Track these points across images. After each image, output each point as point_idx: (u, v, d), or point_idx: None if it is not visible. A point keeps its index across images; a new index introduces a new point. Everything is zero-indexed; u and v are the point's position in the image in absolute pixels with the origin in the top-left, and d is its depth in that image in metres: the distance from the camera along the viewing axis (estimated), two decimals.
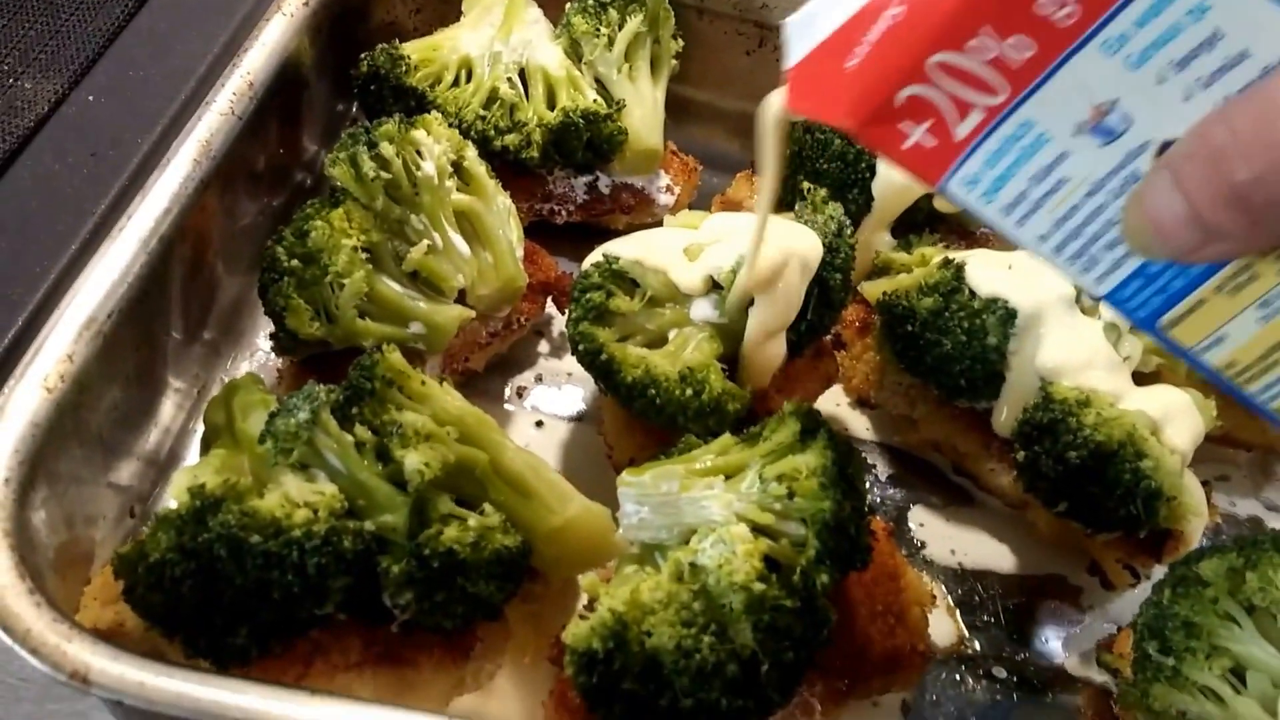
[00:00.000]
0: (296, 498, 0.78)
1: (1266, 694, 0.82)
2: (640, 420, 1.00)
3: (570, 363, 1.17)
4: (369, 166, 1.00)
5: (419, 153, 1.02)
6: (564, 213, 1.26)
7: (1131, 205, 0.62)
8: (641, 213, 1.28)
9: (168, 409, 1.00)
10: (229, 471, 0.80)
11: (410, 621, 0.81)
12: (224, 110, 1.05)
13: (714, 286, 0.99)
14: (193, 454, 1.01)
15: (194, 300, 1.03)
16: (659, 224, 1.12)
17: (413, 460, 0.80)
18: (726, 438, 0.89)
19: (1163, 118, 0.60)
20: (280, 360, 1.09)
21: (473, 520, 0.81)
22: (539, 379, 1.18)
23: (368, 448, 0.81)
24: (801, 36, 0.69)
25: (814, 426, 0.85)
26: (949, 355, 1.04)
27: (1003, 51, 0.61)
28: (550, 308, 1.20)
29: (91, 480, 0.88)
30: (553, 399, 1.16)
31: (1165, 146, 0.60)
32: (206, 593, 0.76)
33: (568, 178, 1.26)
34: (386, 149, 1.00)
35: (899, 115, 0.64)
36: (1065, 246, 0.66)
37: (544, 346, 1.21)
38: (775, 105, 0.79)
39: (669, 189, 1.30)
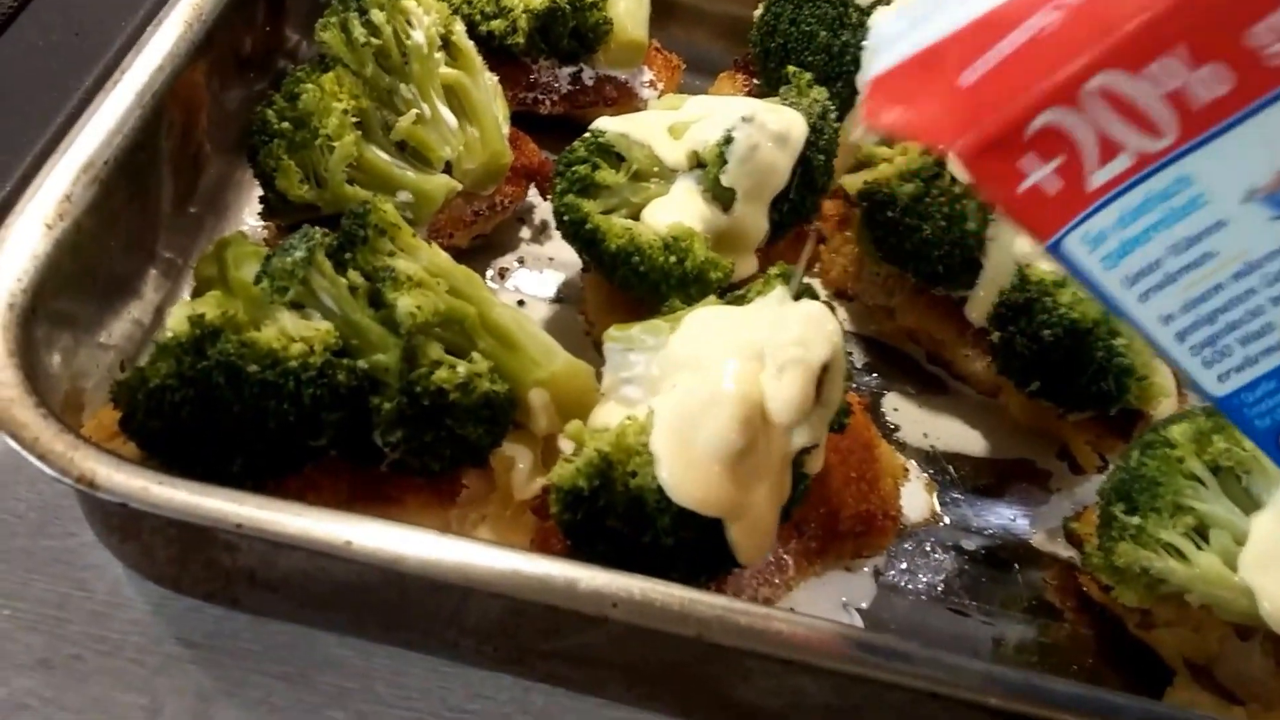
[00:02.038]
0: (293, 332, 0.79)
1: (1228, 549, 0.84)
2: (622, 296, 1.02)
3: (551, 248, 1.20)
4: (359, 32, 1.00)
5: (409, 22, 1.03)
6: (548, 102, 1.27)
7: None
8: (624, 107, 1.29)
9: (154, 277, 1.00)
10: (226, 308, 0.80)
11: (399, 462, 0.83)
12: None
13: (698, 163, 1.01)
14: None
15: (183, 171, 1.03)
16: None
17: (405, 303, 0.81)
18: (710, 299, 0.90)
19: None
20: (265, 232, 1.10)
21: (462, 365, 0.82)
22: (521, 262, 1.19)
23: (360, 292, 0.82)
24: (897, 38, 0.57)
25: (800, 291, 0.86)
26: (928, 241, 1.06)
27: (1188, 84, 0.49)
28: (533, 195, 1.21)
29: (85, 329, 0.89)
30: (534, 281, 1.17)
31: None
32: (204, 420, 0.77)
33: (552, 67, 1.26)
34: (377, 15, 1.01)
35: (1024, 148, 0.52)
36: (1192, 333, 0.54)
37: (526, 232, 1.22)
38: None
39: (652, 84, 1.31)
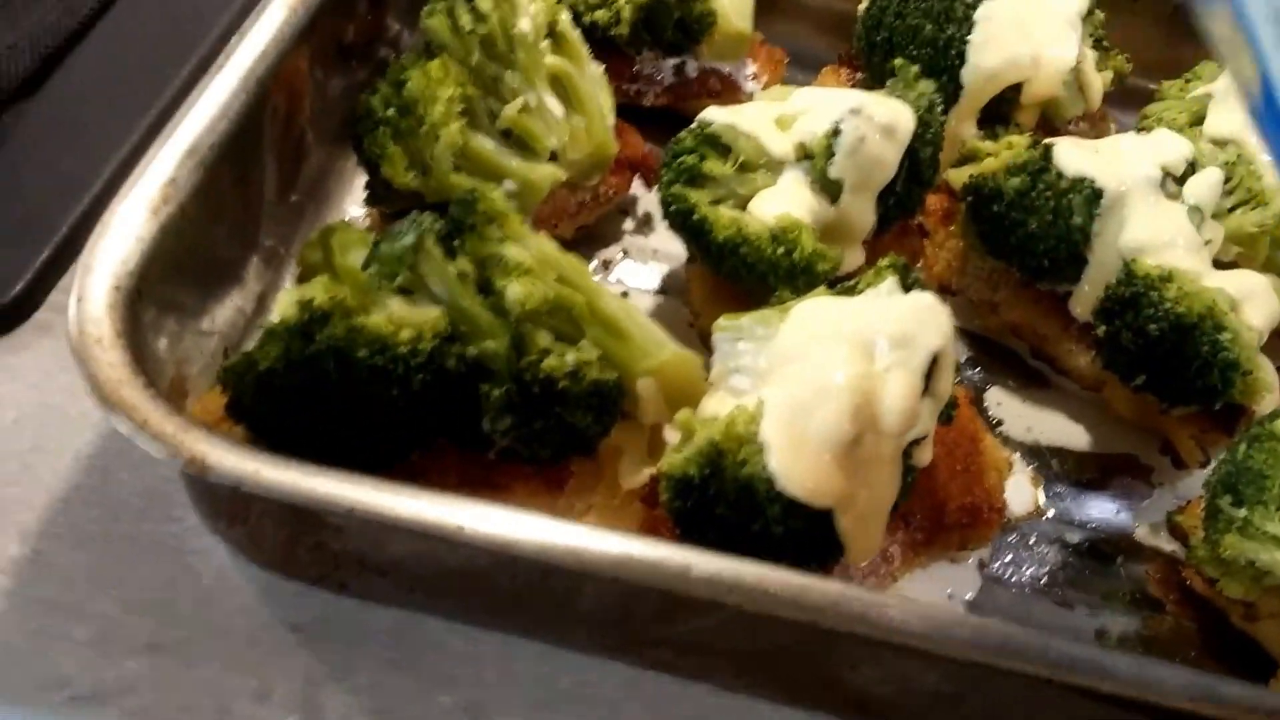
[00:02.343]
0: (402, 318, 0.79)
1: None
2: (728, 287, 1.02)
3: (655, 239, 1.20)
4: (466, 20, 1.01)
5: (515, 10, 1.03)
6: (651, 95, 1.27)
7: None
8: (727, 100, 1.28)
9: (256, 264, 1.01)
10: (335, 293, 0.81)
11: (507, 450, 0.83)
12: None
13: (805, 155, 1.01)
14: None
15: (285, 159, 1.03)
16: None
17: (514, 290, 0.81)
18: (819, 290, 0.90)
19: None
20: (368, 220, 1.11)
21: (571, 353, 0.82)
22: (625, 254, 1.19)
23: (469, 279, 0.83)
24: None
25: (912, 282, 0.86)
26: (1034, 235, 1.05)
27: None
28: (637, 187, 1.21)
29: (188, 315, 0.89)
30: (638, 273, 1.18)
31: None
32: (312, 405, 0.78)
33: (655, 59, 1.26)
34: (483, 3, 1.01)
35: None
36: None
37: (629, 224, 1.22)
38: None
39: (755, 77, 1.31)
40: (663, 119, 1.26)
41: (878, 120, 0.98)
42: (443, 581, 0.81)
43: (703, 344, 0.93)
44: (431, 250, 0.82)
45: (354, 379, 0.77)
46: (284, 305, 0.80)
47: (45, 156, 1.09)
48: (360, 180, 1.10)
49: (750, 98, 1.29)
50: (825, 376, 0.79)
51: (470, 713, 0.83)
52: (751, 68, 1.31)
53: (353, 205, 1.14)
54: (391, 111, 1.00)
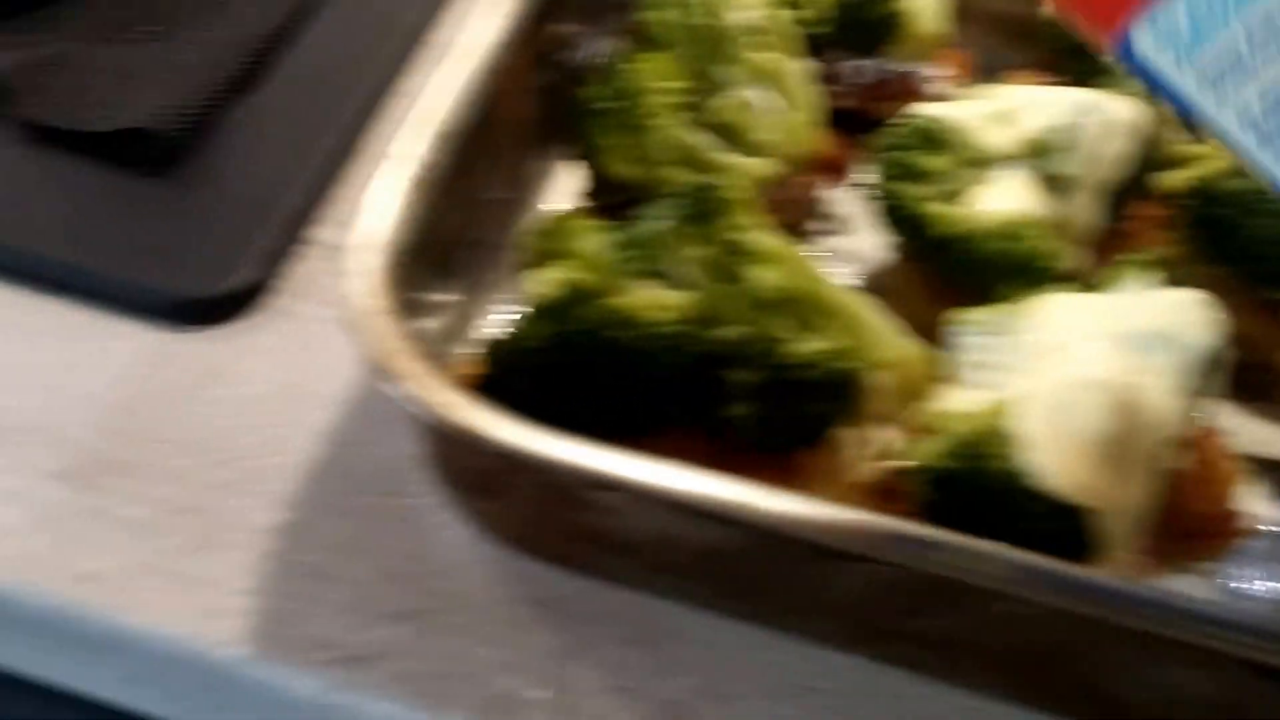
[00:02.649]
0: (656, 301, 0.80)
1: None
2: (938, 284, 1.00)
3: (848, 238, 1.18)
4: (685, 14, 1.01)
5: (731, 5, 1.03)
6: (842, 94, 1.26)
7: None
8: (919, 100, 1.27)
9: (471, 251, 1.02)
10: (590, 275, 0.81)
11: (742, 436, 0.82)
12: None
13: (1030, 151, 0.99)
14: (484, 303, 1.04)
15: (505, 147, 1.05)
16: None
17: (762, 277, 0.81)
18: (1060, 287, 0.89)
19: None
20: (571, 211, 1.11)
21: (813, 342, 0.82)
22: (817, 249, 1.18)
23: (716, 264, 0.83)
24: None
25: (1166, 278, 0.85)
26: (1257, 239, 1.02)
27: None
28: (828, 184, 1.20)
29: (439, 294, 0.92)
30: (830, 268, 1.16)
31: None
32: (570, 383, 0.79)
33: (850, 58, 1.25)
34: None
35: None
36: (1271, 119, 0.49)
37: (820, 220, 1.21)
38: None
39: (946, 79, 1.29)
40: (848, 117, 1.25)
41: (1112, 118, 0.97)
42: (691, 564, 0.81)
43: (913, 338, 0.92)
44: (679, 234, 0.82)
45: (612, 359, 0.78)
46: (545, 286, 0.81)
47: (270, 146, 1.12)
48: (559, 172, 1.11)
49: (942, 99, 1.28)
50: (1086, 372, 0.78)
51: (708, 697, 0.82)
52: (942, 70, 1.30)
53: (554, 195, 1.13)
54: (611, 104, 1.00)
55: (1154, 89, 0.52)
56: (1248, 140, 0.51)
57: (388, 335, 0.75)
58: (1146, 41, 0.50)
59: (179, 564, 0.86)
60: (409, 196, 0.84)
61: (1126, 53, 0.51)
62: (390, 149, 0.87)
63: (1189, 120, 0.53)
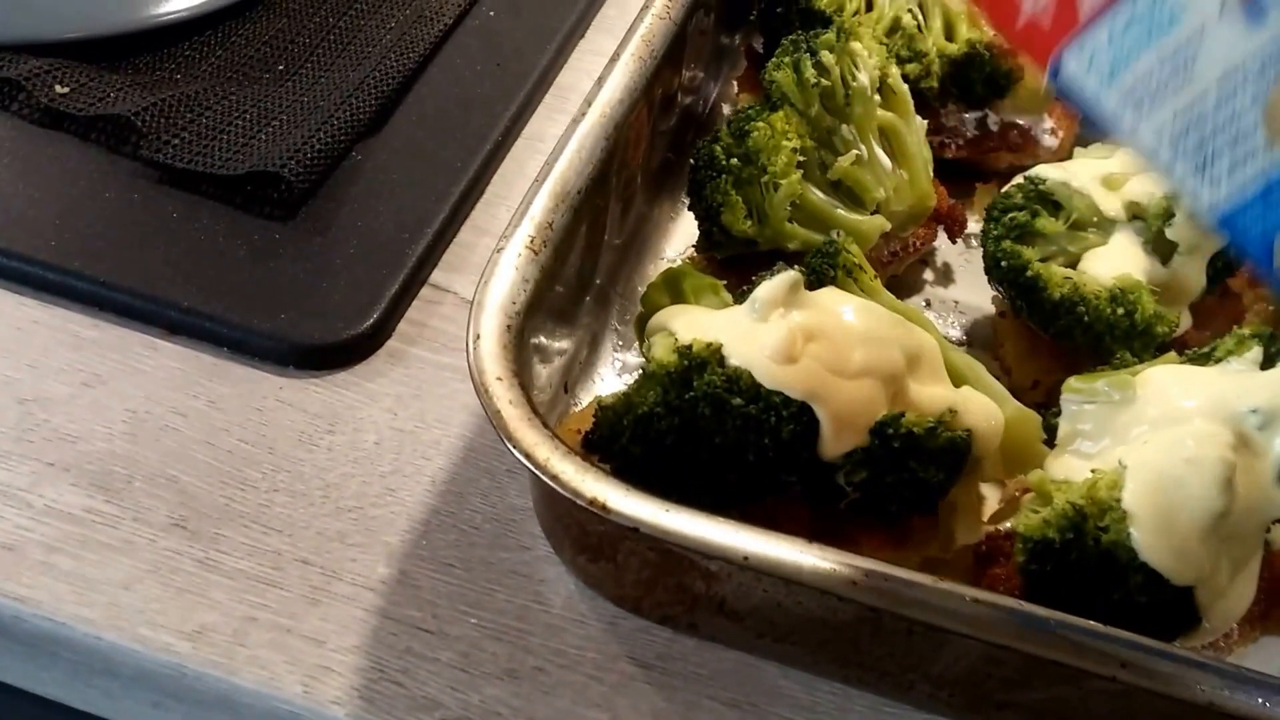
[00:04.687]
0: None
1: None
2: (1044, 344, 1.02)
3: (956, 291, 1.19)
4: (810, 73, 1.03)
5: (855, 64, 1.05)
6: (953, 146, 1.27)
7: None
8: (1026, 154, 1.28)
9: (589, 304, 1.05)
10: (710, 340, 0.83)
11: (857, 502, 0.84)
12: (660, 13, 1.09)
13: (1136, 214, 1.00)
14: (606, 346, 1.07)
15: (619, 204, 1.07)
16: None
17: None
18: (1171, 356, 0.89)
19: None
20: (682, 265, 1.12)
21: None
22: (927, 304, 1.19)
23: None
24: None
25: (1276, 351, 0.85)
26: None
27: None
28: (938, 238, 1.21)
29: (545, 353, 0.92)
30: (940, 325, 1.17)
31: None
32: (685, 449, 0.80)
33: (959, 111, 1.26)
34: (827, 57, 1.03)
35: None
36: (1184, 140, 0.53)
37: (930, 274, 1.22)
38: None
39: (1054, 132, 1.30)
40: (956, 168, 1.26)
41: None
42: (796, 629, 0.82)
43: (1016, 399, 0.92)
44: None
45: (728, 426, 0.79)
46: (663, 350, 0.82)
47: (391, 190, 1.13)
48: (674, 225, 1.15)
49: (1049, 152, 1.28)
50: (1195, 449, 0.79)
51: None
52: (1049, 122, 1.30)
53: (668, 248, 1.16)
54: (734, 161, 1.02)
55: (1081, 109, 0.56)
56: (1167, 157, 0.54)
57: (513, 399, 0.77)
58: (1075, 64, 0.55)
59: (288, 619, 0.87)
60: (534, 258, 0.86)
61: (1055, 74, 0.56)
62: (516, 208, 0.90)
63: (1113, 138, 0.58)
